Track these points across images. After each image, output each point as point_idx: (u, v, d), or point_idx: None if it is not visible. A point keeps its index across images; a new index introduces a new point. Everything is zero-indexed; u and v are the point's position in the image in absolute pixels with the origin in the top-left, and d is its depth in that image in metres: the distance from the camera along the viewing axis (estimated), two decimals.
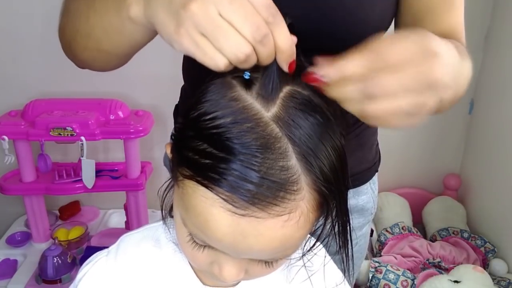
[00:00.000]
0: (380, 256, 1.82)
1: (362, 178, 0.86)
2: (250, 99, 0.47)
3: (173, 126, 0.90)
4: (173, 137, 0.52)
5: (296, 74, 0.48)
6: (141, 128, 1.62)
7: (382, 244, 1.90)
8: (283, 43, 0.45)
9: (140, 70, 1.62)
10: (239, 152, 0.44)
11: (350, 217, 0.55)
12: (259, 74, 0.47)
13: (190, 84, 0.84)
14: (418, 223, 2.07)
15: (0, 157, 1.60)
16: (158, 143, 1.91)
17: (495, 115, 1.88)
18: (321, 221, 0.51)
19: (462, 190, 2.10)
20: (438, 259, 1.78)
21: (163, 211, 0.59)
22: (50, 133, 1.53)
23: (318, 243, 0.57)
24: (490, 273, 1.67)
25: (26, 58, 1.83)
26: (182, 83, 0.89)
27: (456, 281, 1.52)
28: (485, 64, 1.93)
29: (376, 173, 0.90)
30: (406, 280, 1.64)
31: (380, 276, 1.65)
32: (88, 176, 1.61)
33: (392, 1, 0.72)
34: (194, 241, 0.51)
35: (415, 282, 1.63)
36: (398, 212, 2.00)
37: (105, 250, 0.65)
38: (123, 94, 1.78)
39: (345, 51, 0.47)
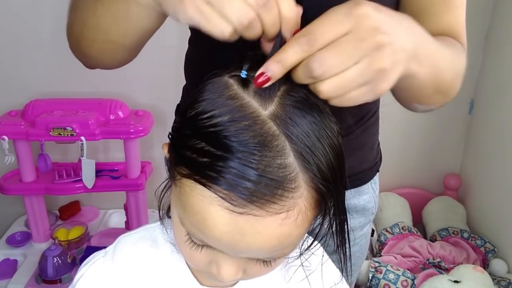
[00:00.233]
0: (380, 256, 1.82)
1: (363, 178, 0.86)
2: (247, 97, 0.47)
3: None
4: (170, 137, 0.52)
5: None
6: (141, 128, 1.62)
7: (382, 244, 1.90)
8: (288, 12, 0.46)
9: (140, 70, 1.62)
10: (237, 150, 0.44)
11: (349, 216, 0.55)
12: (256, 73, 0.47)
13: (192, 83, 0.84)
14: (418, 223, 2.07)
15: (0, 157, 1.60)
16: (158, 143, 1.91)
17: (495, 115, 1.88)
18: (319, 220, 0.51)
19: (462, 190, 2.10)
20: (438, 259, 1.78)
21: (161, 212, 0.59)
22: (50, 133, 1.53)
23: (316, 242, 0.57)
24: (490, 273, 1.67)
25: (26, 58, 1.83)
26: (182, 83, 0.89)
27: (456, 281, 1.52)
28: (485, 64, 1.93)
29: (377, 173, 0.90)
30: (406, 280, 1.64)
31: (380, 276, 1.65)
32: (88, 176, 1.61)
33: (393, 0, 0.72)
34: (192, 240, 0.51)
35: (415, 282, 1.63)
36: (398, 212, 2.00)
37: (103, 251, 0.65)
38: (123, 94, 1.78)
39: None
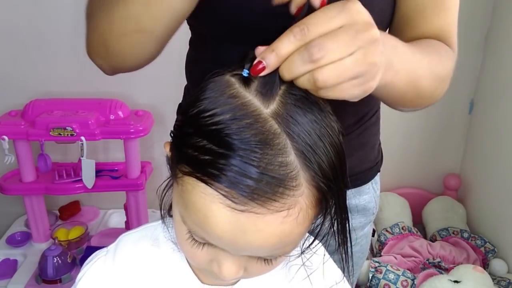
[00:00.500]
0: (380, 256, 1.82)
1: (364, 177, 0.86)
2: (249, 96, 0.47)
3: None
4: (172, 135, 0.53)
5: None
6: (141, 128, 1.62)
7: (382, 244, 1.90)
8: None
9: (140, 70, 1.61)
10: (238, 148, 0.44)
11: (350, 215, 0.55)
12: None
13: (193, 83, 0.84)
14: (418, 223, 2.07)
15: (0, 157, 1.60)
16: (158, 143, 1.91)
17: (495, 115, 1.88)
18: (320, 219, 0.51)
19: (462, 190, 2.10)
20: (438, 259, 1.78)
21: (162, 210, 0.59)
22: (50, 133, 1.53)
23: (317, 241, 0.57)
24: (490, 273, 1.68)
25: (26, 58, 1.83)
26: (182, 83, 0.89)
27: (456, 281, 1.52)
28: (485, 64, 1.93)
29: (378, 173, 0.90)
30: (406, 280, 1.64)
31: (380, 276, 1.65)
32: (88, 176, 1.61)
33: (390, 1, 0.72)
34: (194, 238, 0.51)
35: (415, 282, 1.63)
36: (398, 212, 2.00)
37: (104, 249, 0.65)
38: (123, 94, 1.78)
39: None
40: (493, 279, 1.66)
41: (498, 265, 1.76)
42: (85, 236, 1.78)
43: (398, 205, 2.03)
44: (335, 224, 0.53)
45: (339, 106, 0.51)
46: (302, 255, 0.58)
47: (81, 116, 1.58)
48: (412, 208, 2.05)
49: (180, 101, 0.93)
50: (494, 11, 1.87)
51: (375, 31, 0.47)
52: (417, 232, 1.96)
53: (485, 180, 1.95)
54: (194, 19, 0.72)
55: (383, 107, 0.83)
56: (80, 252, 1.74)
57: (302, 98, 0.47)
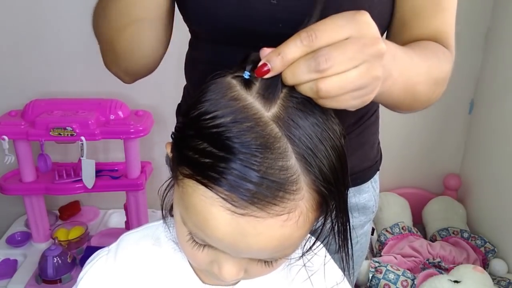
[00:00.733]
0: (380, 256, 1.82)
1: (364, 176, 0.86)
2: (250, 98, 0.47)
3: (174, 126, 0.90)
4: (173, 136, 0.53)
5: None
6: (141, 128, 1.62)
7: (382, 244, 1.90)
8: None
9: None
10: (239, 152, 0.44)
11: (351, 216, 0.55)
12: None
13: (192, 84, 0.85)
14: (418, 223, 2.07)
15: (0, 157, 1.60)
16: (158, 143, 1.91)
17: (495, 115, 1.88)
18: (321, 220, 0.51)
19: (462, 190, 2.10)
20: (438, 259, 1.78)
21: (163, 210, 0.59)
22: (50, 133, 1.53)
23: (318, 242, 0.57)
24: (490, 273, 1.67)
25: (26, 58, 1.83)
26: (182, 83, 0.89)
27: (456, 281, 1.52)
28: (485, 64, 1.93)
29: (378, 172, 0.91)
30: (406, 280, 1.64)
31: (380, 276, 1.65)
32: (88, 176, 1.61)
33: (389, 3, 0.72)
34: (194, 240, 0.51)
35: (415, 282, 1.63)
36: (398, 212, 2.00)
37: (106, 249, 0.65)
38: (123, 94, 1.78)
39: None
40: (493, 279, 1.66)
41: (498, 265, 1.76)
42: (85, 236, 1.78)
43: (398, 205, 2.03)
44: (336, 226, 0.53)
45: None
46: (303, 256, 0.58)
47: (81, 116, 1.58)
48: (412, 208, 2.05)
49: (180, 101, 0.93)
50: (494, 11, 1.87)
51: (382, 46, 0.47)
52: (417, 232, 1.96)
53: (485, 180, 1.95)
54: (193, 22, 0.73)
55: (384, 108, 0.83)
56: (80, 252, 1.74)
57: (303, 101, 0.47)
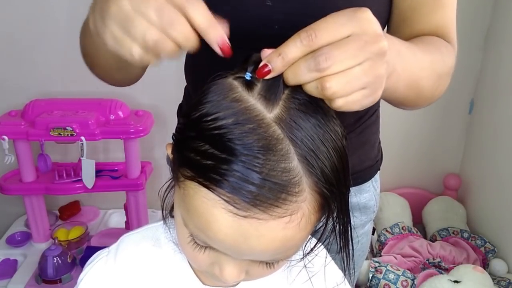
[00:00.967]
0: (380, 256, 1.82)
1: (364, 176, 0.86)
2: (252, 100, 0.47)
3: (175, 126, 0.90)
4: (174, 138, 0.52)
5: None
6: (141, 128, 1.62)
7: (382, 244, 1.90)
8: (201, 24, 0.46)
9: None
10: (241, 153, 0.44)
11: (351, 216, 0.55)
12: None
13: (192, 84, 0.84)
14: (418, 223, 2.07)
15: (0, 157, 1.60)
16: (158, 143, 1.91)
17: (495, 115, 1.88)
18: (322, 221, 0.51)
19: (462, 190, 2.10)
20: (438, 259, 1.78)
21: (164, 211, 0.59)
22: (50, 133, 1.53)
23: (319, 244, 0.57)
24: (490, 273, 1.67)
25: (26, 58, 1.83)
26: (182, 83, 0.89)
27: (456, 281, 1.52)
28: (485, 64, 1.93)
29: (378, 172, 0.91)
30: (406, 280, 1.64)
31: (380, 276, 1.65)
32: (88, 176, 1.61)
33: (385, 1, 0.72)
34: (195, 242, 0.51)
35: (415, 282, 1.63)
36: (398, 212, 2.00)
37: (106, 250, 0.65)
38: (123, 94, 1.78)
39: None
40: (493, 279, 1.66)
41: (498, 265, 1.76)
42: (85, 236, 1.78)
43: (398, 205, 2.03)
44: (337, 227, 0.53)
45: None
46: (304, 257, 0.58)
47: (81, 116, 1.58)
48: (412, 208, 2.05)
49: (180, 102, 0.93)
50: (494, 11, 1.87)
51: (384, 44, 0.46)
52: (417, 232, 1.96)
53: (485, 180, 1.95)
54: None
55: (384, 108, 0.83)
56: (80, 252, 1.74)
57: (305, 102, 0.47)
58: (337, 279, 0.67)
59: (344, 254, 0.55)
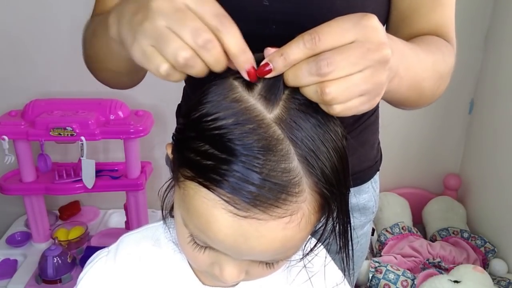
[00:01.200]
0: (380, 256, 1.82)
1: (364, 176, 0.86)
2: (252, 100, 0.47)
3: (174, 126, 0.90)
4: (174, 138, 0.52)
5: None
6: (141, 128, 1.62)
7: (382, 244, 1.90)
8: (233, 49, 0.46)
9: None
10: (241, 154, 0.44)
11: (351, 217, 0.55)
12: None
13: (190, 85, 0.84)
14: (418, 223, 2.07)
15: (0, 157, 1.60)
16: (158, 143, 1.91)
17: (495, 115, 1.88)
18: (322, 221, 0.51)
19: (462, 190, 2.10)
20: (438, 259, 1.78)
21: (164, 211, 0.59)
22: (50, 133, 1.53)
23: (319, 244, 0.57)
24: (490, 273, 1.68)
25: (26, 58, 1.83)
26: (183, 83, 0.89)
27: (456, 281, 1.52)
28: (485, 64, 1.93)
29: (378, 172, 0.90)
30: (406, 280, 1.64)
31: (380, 276, 1.65)
32: (88, 176, 1.61)
33: (384, 1, 0.72)
34: (195, 242, 0.51)
35: (415, 282, 1.63)
36: (398, 212, 2.00)
37: (105, 250, 0.65)
38: (123, 94, 1.78)
39: None
40: (493, 279, 1.66)
41: (498, 265, 1.76)
42: (85, 236, 1.78)
43: (398, 205, 2.03)
44: (337, 227, 0.53)
45: None
46: (304, 257, 0.58)
47: (81, 116, 1.58)
48: (412, 208, 2.05)
49: (180, 102, 0.93)
50: (494, 11, 1.87)
51: (387, 52, 0.46)
52: (417, 232, 1.96)
53: (485, 180, 1.95)
54: None
55: (384, 107, 0.83)
56: (80, 252, 1.74)
57: (305, 102, 0.47)
58: (336, 279, 0.67)
59: (344, 254, 0.55)
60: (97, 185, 1.64)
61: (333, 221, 0.52)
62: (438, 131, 2.08)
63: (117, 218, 1.97)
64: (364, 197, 0.87)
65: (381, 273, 1.66)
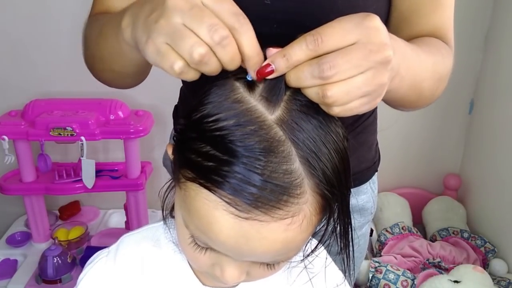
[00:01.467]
0: (380, 256, 1.82)
1: (362, 177, 0.86)
2: (254, 101, 0.46)
3: (173, 127, 0.90)
4: (174, 139, 0.52)
5: None
6: (141, 128, 1.62)
7: (382, 244, 1.90)
8: (248, 50, 0.45)
9: None
10: (242, 155, 0.44)
11: (352, 218, 0.55)
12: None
13: (188, 86, 0.84)
14: (418, 223, 2.07)
15: (0, 157, 1.60)
16: (158, 143, 1.91)
17: (495, 115, 1.88)
18: (323, 222, 0.51)
19: (462, 190, 2.10)
20: (438, 259, 1.78)
21: (164, 212, 0.59)
22: (50, 133, 1.53)
23: (320, 245, 0.57)
24: (490, 273, 1.68)
25: (26, 58, 1.83)
26: (180, 83, 0.89)
27: (456, 281, 1.52)
28: (485, 64, 1.93)
29: (376, 173, 0.90)
30: (406, 280, 1.64)
31: (380, 276, 1.65)
32: (88, 176, 1.60)
33: (385, 1, 0.72)
34: (196, 243, 0.51)
35: (415, 282, 1.63)
36: (398, 212, 2.00)
37: (105, 250, 0.65)
38: (123, 94, 1.78)
39: None
40: (493, 279, 1.66)
41: (498, 265, 1.76)
42: (85, 236, 1.78)
43: (398, 205, 2.03)
44: (338, 228, 0.53)
45: None
46: (304, 259, 0.58)
47: (81, 116, 1.58)
48: (412, 208, 2.05)
49: (176, 103, 0.93)
50: (494, 11, 1.87)
51: (389, 53, 0.46)
52: (417, 232, 1.96)
53: (485, 180, 1.95)
54: None
55: (384, 107, 0.83)
56: (80, 252, 1.74)
57: (307, 103, 0.47)
58: (337, 280, 0.67)
59: (345, 255, 0.55)
60: (97, 185, 1.64)
61: (334, 222, 0.52)
62: (438, 131, 2.08)
63: (117, 218, 1.97)
64: (363, 198, 0.87)
65: (381, 273, 1.66)
